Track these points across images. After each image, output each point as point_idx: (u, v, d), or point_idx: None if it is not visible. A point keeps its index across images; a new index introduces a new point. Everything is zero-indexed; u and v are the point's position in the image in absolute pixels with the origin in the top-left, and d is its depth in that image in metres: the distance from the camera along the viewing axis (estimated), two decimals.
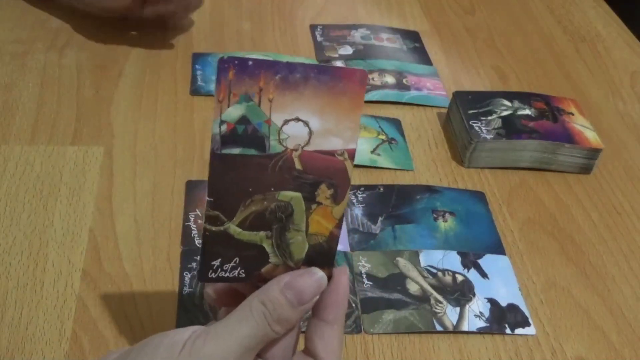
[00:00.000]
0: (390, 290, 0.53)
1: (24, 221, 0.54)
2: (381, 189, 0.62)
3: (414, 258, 0.56)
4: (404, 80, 0.76)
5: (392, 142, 0.67)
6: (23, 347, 0.46)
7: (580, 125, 0.68)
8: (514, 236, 0.59)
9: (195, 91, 0.70)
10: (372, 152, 0.65)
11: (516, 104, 0.69)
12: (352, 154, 0.37)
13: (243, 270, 0.38)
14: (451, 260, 0.56)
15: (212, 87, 0.70)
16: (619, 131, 0.74)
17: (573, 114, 0.69)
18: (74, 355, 0.46)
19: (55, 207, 0.55)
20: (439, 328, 0.51)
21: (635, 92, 0.81)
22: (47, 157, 0.60)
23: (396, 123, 0.70)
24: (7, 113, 0.64)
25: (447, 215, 0.60)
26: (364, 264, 0.54)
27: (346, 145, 0.37)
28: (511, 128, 0.66)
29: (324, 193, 0.37)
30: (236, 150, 0.36)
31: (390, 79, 0.75)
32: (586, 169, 0.67)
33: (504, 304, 0.53)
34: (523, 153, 0.65)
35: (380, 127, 0.69)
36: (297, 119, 0.36)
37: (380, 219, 0.59)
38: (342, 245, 0.55)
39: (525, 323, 0.52)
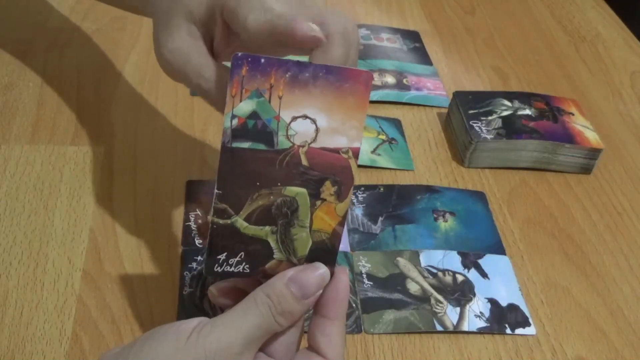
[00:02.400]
0: (390, 290, 0.53)
1: (24, 221, 0.54)
2: (381, 189, 0.62)
3: (414, 258, 0.55)
4: (404, 80, 0.76)
5: (392, 142, 0.67)
6: (23, 347, 0.46)
7: (581, 125, 0.68)
8: (514, 236, 0.59)
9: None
10: (373, 152, 0.65)
11: (516, 104, 0.69)
12: (356, 153, 0.38)
13: (248, 266, 0.39)
14: (451, 260, 0.56)
15: None
16: (619, 131, 0.74)
17: (573, 114, 0.69)
18: (74, 355, 0.46)
19: (56, 207, 0.55)
20: (439, 328, 0.51)
21: (635, 92, 0.81)
22: (47, 157, 0.60)
23: (396, 123, 0.70)
24: (7, 113, 0.64)
25: (447, 215, 0.60)
26: (364, 264, 0.54)
27: (351, 144, 0.38)
28: (511, 128, 0.66)
29: (328, 190, 0.38)
30: (246, 144, 0.37)
31: (390, 79, 0.75)
32: (586, 169, 0.67)
33: (504, 304, 0.53)
34: (523, 153, 0.65)
35: (380, 127, 0.69)
36: (305, 116, 0.37)
37: (380, 219, 0.59)
38: (343, 245, 0.55)
39: (525, 323, 0.52)
